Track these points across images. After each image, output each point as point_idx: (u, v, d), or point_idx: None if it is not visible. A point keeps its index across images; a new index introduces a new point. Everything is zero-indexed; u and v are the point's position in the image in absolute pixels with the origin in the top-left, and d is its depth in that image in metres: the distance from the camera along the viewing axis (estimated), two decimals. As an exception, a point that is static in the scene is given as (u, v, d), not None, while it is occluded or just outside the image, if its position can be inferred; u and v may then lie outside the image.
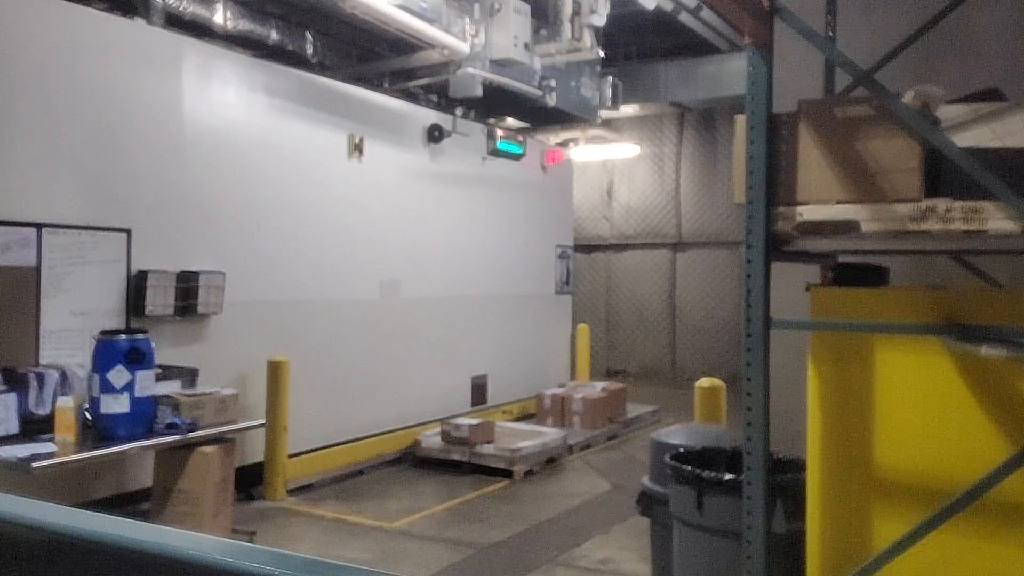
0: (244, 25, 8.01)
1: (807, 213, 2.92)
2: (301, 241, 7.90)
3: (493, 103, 10.18)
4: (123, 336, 5.51)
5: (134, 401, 5.39)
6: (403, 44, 8.72)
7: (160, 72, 6.68)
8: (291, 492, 7.41)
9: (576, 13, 9.06)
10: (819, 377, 3.10)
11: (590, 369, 13.03)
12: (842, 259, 3.66)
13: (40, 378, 5.47)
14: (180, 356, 6.54)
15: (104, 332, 5.58)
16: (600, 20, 9.21)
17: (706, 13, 10.97)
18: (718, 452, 4.09)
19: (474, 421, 8.63)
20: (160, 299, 6.45)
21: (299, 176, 7.89)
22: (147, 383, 5.50)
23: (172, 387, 5.93)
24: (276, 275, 7.65)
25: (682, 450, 4.09)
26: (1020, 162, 2.62)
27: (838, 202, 2.87)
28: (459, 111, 10.22)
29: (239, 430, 6.14)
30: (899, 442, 2.96)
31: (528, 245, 11.43)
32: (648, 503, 4.44)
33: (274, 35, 8.34)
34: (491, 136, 10.47)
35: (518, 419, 10.52)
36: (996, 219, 2.63)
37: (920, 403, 2.93)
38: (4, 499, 1.22)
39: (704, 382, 6.30)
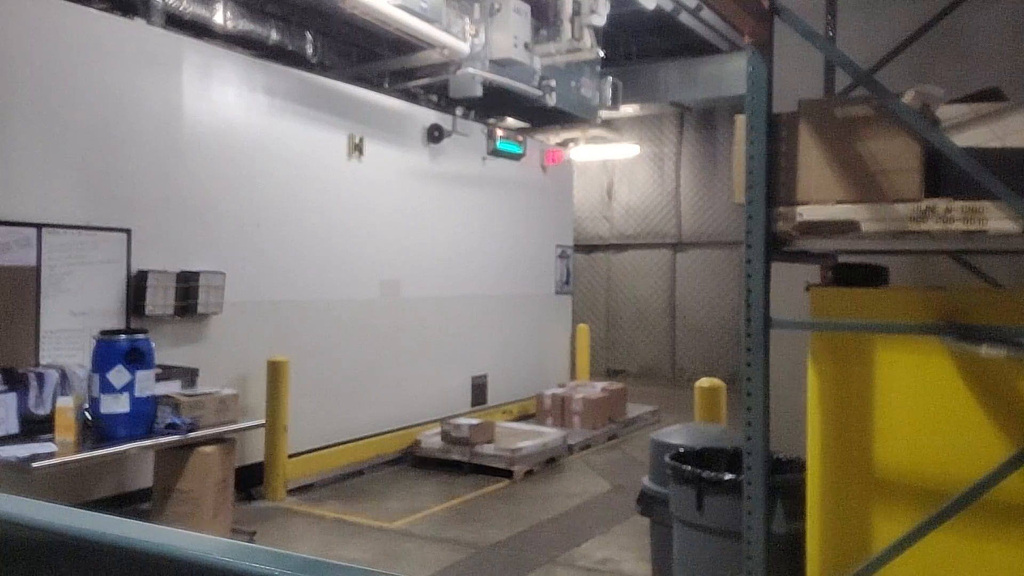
0: (244, 25, 8.00)
1: (807, 213, 2.92)
2: (301, 241, 7.90)
3: (493, 103, 10.18)
4: (123, 336, 5.51)
5: (134, 401, 5.38)
6: (403, 44, 8.71)
7: (160, 72, 6.68)
8: (291, 492, 7.41)
9: (576, 13, 9.05)
10: (819, 377, 3.09)
11: (590, 369, 13.04)
12: (842, 259, 3.66)
13: (40, 378, 5.47)
14: (180, 356, 6.54)
15: (104, 332, 5.58)
16: (600, 20, 9.20)
17: (706, 13, 10.98)
18: (718, 452, 4.09)
19: (474, 421, 8.63)
20: (160, 299, 6.44)
21: (299, 176, 7.89)
22: (147, 383, 5.49)
23: (172, 387, 5.93)
24: (276, 275, 7.65)
25: (682, 450, 4.09)
26: (1020, 162, 2.62)
27: (838, 202, 2.87)
28: (459, 111, 10.22)
29: (239, 430, 6.13)
30: (899, 442, 2.96)
31: (528, 245, 11.43)
32: (648, 503, 4.44)
33: (274, 35, 8.33)
34: (491, 136, 10.47)
35: (518, 419, 10.52)
36: (996, 219, 2.63)
37: (920, 403, 2.93)
38: (4, 499, 1.22)
39: (704, 382, 6.30)
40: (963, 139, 2.69)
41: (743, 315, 2.98)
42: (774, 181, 2.95)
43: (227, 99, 7.24)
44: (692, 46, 12.93)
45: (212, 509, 5.74)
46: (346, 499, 7.43)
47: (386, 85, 9.47)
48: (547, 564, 5.86)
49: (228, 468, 5.93)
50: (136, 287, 6.37)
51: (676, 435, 4.52)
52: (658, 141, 15.91)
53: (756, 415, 2.92)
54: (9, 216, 5.65)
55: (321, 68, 8.82)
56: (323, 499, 7.40)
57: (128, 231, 6.40)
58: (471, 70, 8.87)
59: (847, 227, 2.85)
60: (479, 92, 8.97)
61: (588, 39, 9.20)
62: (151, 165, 6.60)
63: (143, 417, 5.48)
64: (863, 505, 3.01)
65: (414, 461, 8.70)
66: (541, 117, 11.34)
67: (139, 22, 6.76)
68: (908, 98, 2.81)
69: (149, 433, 5.50)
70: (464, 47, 8.64)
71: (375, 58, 9.42)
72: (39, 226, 5.80)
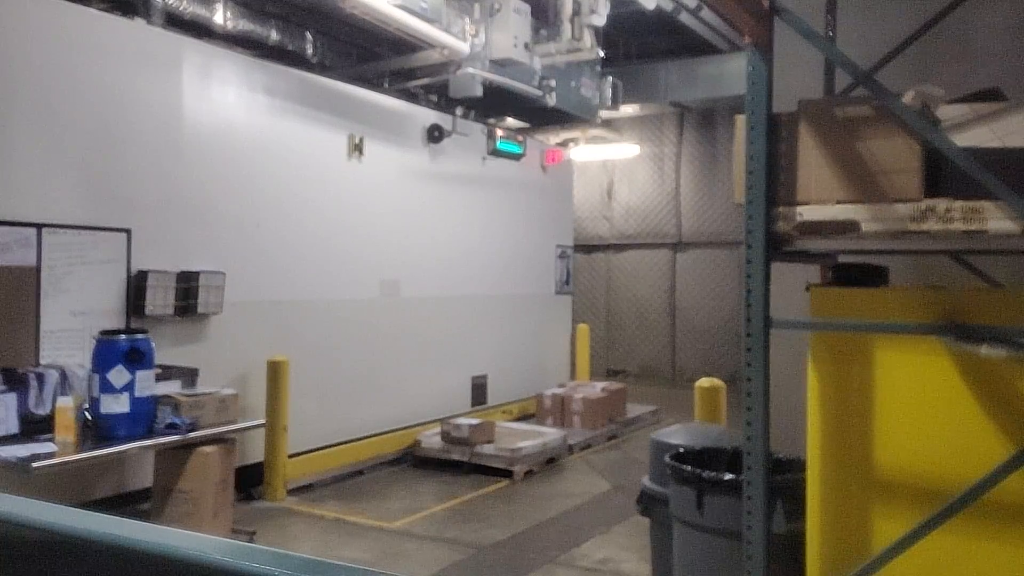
0: (244, 25, 8.00)
1: (807, 213, 2.92)
2: (301, 241, 7.90)
3: (493, 103, 10.18)
4: (123, 336, 5.51)
5: (134, 401, 5.38)
6: (403, 44, 8.71)
7: (160, 72, 6.68)
8: (291, 492, 7.41)
9: (576, 13, 9.05)
10: (819, 377, 3.09)
11: (590, 369, 13.03)
12: (842, 259, 3.66)
13: (40, 378, 5.47)
14: (180, 356, 6.54)
15: (104, 332, 5.58)
16: (600, 20, 9.20)
17: (706, 13, 10.97)
18: (718, 452, 4.09)
19: (474, 421, 8.63)
20: (160, 299, 6.44)
21: (299, 176, 7.89)
22: (147, 383, 5.49)
23: (172, 387, 5.93)
24: (276, 275, 7.65)
25: (682, 450, 4.09)
26: (1020, 162, 2.62)
27: (838, 202, 2.87)
28: (459, 111, 10.21)
29: (239, 430, 6.13)
30: (899, 442, 2.96)
31: (528, 245, 11.43)
32: (648, 503, 4.44)
33: (274, 35, 8.33)
34: (491, 136, 10.47)
35: (518, 419, 10.51)
36: (996, 219, 2.63)
37: (920, 403, 2.93)
38: (4, 499, 1.22)
39: (704, 382, 6.29)
40: (963, 139, 2.69)
41: (743, 315, 2.98)
42: (774, 181, 2.95)
43: (227, 99, 7.24)
44: (692, 46, 12.93)
45: (212, 509, 5.74)
46: (346, 499, 7.43)
47: (386, 85, 9.47)
48: (547, 564, 5.86)
49: (228, 468, 5.93)
50: (136, 287, 6.37)
51: (676, 435, 4.52)
52: (658, 141, 15.91)
53: (756, 415, 2.92)
54: (9, 216, 5.65)
55: (321, 68, 8.82)
56: (323, 499, 7.40)
57: (128, 231, 6.40)
58: (471, 70, 8.87)
59: (847, 227, 2.85)
60: (479, 92, 8.97)
61: (588, 39, 9.19)
62: (151, 165, 6.60)
63: (143, 417, 5.48)
64: (863, 505, 3.01)
65: (414, 461, 8.70)
66: (541, 117, 11.34)
67: (139, 22, 6.76)
68: (908, 98, 2.81)
69: (149, 433, 5.50)
70: (464, 47, 8.64)
71: (375, 58, 9.43)
72: (39, 226, 5.80)
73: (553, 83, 10.13)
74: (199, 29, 7.59)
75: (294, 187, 7.84)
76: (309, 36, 8.77)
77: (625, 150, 13.75)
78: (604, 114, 12.14)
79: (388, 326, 8.94)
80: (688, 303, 15.63)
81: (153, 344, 5.61)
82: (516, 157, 10.95)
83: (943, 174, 2.74)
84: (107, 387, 5.32)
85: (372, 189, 8.74)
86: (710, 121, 15.44)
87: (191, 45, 7.04)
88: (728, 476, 3.58)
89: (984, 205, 2.64)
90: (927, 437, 2.92)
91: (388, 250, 8.96)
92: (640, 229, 16.13)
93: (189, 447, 5.69)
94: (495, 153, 10.52)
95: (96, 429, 5.35)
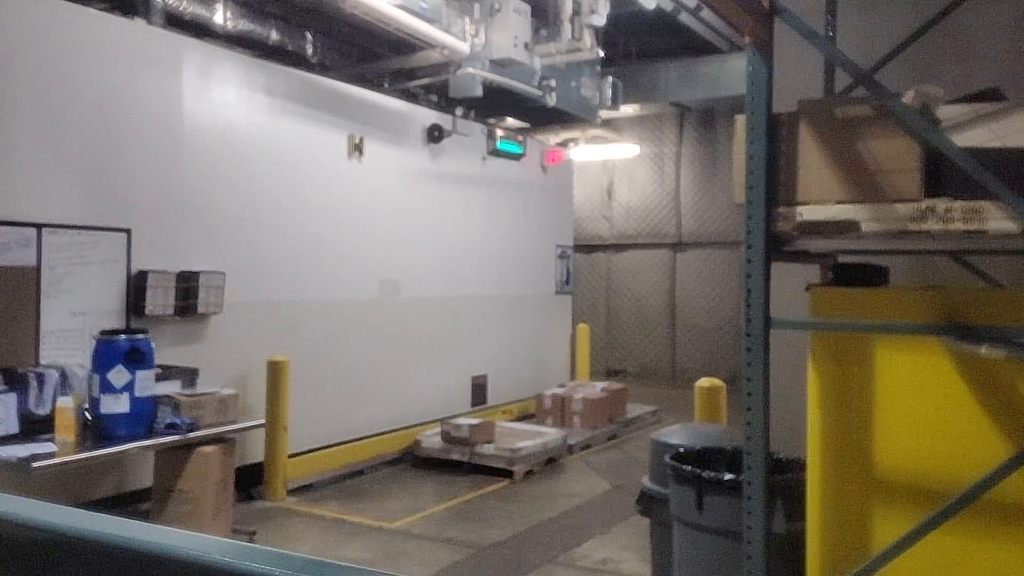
0: (244, 25, 8.00)
1: (807, 213, 2.92)
2: (301, 241, 7.90)
3: (493, 103, 10.18)
4: (123, 336, 5.51)
5: (134, 401, 5.38)
6: (403, 44, 8.72)
7: (160, 72, 6.68)
8: (291, 492, 7.41)
9: (576, 13, 9.05)
10: (819, 377, 3.09)
11: (590, 369, 13.03)
12: (842, 259, 3.66)
13: (40, 378, 5.47)
14: (180, 356, 6.54)
15: (104, 332, 5.58)
16: (600, 20, 9.20)
17: (706, 13, 10.97)
18: (718, 452, 4.09)
19: (474, 421, 8.63)
20: (160, 299, 6.44)
21: (299, 176, 7.89)
22: (147, 383, 5.49)
23: (172, 387, 5.93)
24: (276, 275, 7.65)
25: (682, 450, 4.09)
26: (1020, 162, 2.62)
27: (838, 202, 2.87)
28: (459, 111, 10.21)
29: (239, 430, 6.13)
30: (899, 442, 2.96)
31: (528, 245, 11.43)
32: (648, 503, 4.44)
33: (274, 35, 8.33)
34: (491, 136, 10.47)
35: (518, 419, 10.52)
36: (996, 219, 2.63)
37: (920, 403, 2.93)
38: (4, 499, 1.22)
39: (704, 382, 6.29)
40: (963, 139, 2.69)
41: (743, 315, 2.98)
42: (774, 181, 2.95)
43: (227, 99, 7.24)
44: (692, 46, 12.92)
45: (212, 509, 5.74)
46: (346, 499, 7.43)
47: (386, 85, 9.47)
48: (547, 564, 5.86)
49: (228, 468, 5.93)
50: (136, 287, 6.37)
51: (676, 435, 4.52)
52: (658, 141, 15.90)
53: (756, 415, 2.92)
54: (9, 216, 5.65)
55: (321, 68, 8.82)
56: (323, 499, 7.40)
57: (128, 231, 6.40)
58: (471, 70, 8.87)
59: (847, 227, 2.85)
60: (479, 92, 8.97)
61: (588, 39, 9.19)
62: (151, 165, 6.60)
63: (143, 417, 5.48)
64: (863, 505, 3.01)
65: (414, 461, 8.70)
66: (541, 117, 11.34)
67: (139, 22, 6.76)
68: (908, 98, 2.81)
69: (149, 433, 5.50)
70: (464, 47, 8.64)
71: (375, 58, 9.43)
72: (39, 226, 5.80)
73: (553, 83, 10.13)
74: (199, 29, 7.59)
75: (294, 187, 7.84)
76: (309, 36, 8.77)
77: (625, 150, 13.75)
78: (604, 114, 12.13)
79: (388, 326, 8.94)
80: (688, 303, 15.63)
81: (153, 344, 5.61)
82: (516, 157, 10.95)
83: (943, 174, 2.74)
84: (107, 387, 5.32)
85: (372, 189, 8.74)
86: (710, 121, 15.44)
87: (191, 45, 7.04)
88: (728, 476, 3.58)
89: (984, 205, 2.64)
90: (927, 437, 2.92)
91: (388, 250, 8.96)
92: (640, 229, 16.13)
93: (189, 447, 5.69)
94: (495, 153, 10.53)
95: (96, 429, 5.35)
